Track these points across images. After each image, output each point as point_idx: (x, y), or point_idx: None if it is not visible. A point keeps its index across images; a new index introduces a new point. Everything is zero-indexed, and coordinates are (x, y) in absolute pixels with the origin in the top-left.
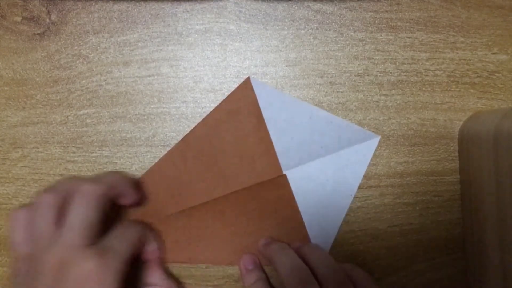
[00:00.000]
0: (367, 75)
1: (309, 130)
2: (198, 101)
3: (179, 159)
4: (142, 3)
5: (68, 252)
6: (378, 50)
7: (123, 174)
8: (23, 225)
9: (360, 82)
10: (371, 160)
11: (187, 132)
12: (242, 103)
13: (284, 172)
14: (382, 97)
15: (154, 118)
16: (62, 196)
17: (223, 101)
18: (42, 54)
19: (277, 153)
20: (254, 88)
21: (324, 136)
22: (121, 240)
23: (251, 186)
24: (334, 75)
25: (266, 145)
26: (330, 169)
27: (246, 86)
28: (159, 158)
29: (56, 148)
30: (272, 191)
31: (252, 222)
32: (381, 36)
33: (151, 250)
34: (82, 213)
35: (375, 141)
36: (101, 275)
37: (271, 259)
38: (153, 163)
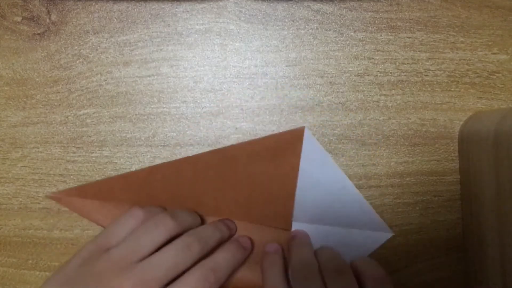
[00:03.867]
0: (367, 75)
1: (333, 198)
2: (198, 101)
3: (200, 166)
4: (142, 3)
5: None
6: (378, 50)
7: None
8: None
9: (360, 82)
10: (371, 160)
11: (220, 147)
12: (285, 148)
13: (292, 222)
14: (382, 97)
15: (154, 118)
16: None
17: (269, 136)
18: (42, 54)
19: (295, 204)
20: (304, 139)
21: (344, 209)
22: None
23: (256, 225)
24: (334, 75)
25: (288, 194)
26: (333, 240)
27: (297, 134)
28: (159, 158)
29: (56, 148)
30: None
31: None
32: (381, 36)
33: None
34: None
35: (386, 235)
36: None
37: (289, 252)
38: (153, 163)
